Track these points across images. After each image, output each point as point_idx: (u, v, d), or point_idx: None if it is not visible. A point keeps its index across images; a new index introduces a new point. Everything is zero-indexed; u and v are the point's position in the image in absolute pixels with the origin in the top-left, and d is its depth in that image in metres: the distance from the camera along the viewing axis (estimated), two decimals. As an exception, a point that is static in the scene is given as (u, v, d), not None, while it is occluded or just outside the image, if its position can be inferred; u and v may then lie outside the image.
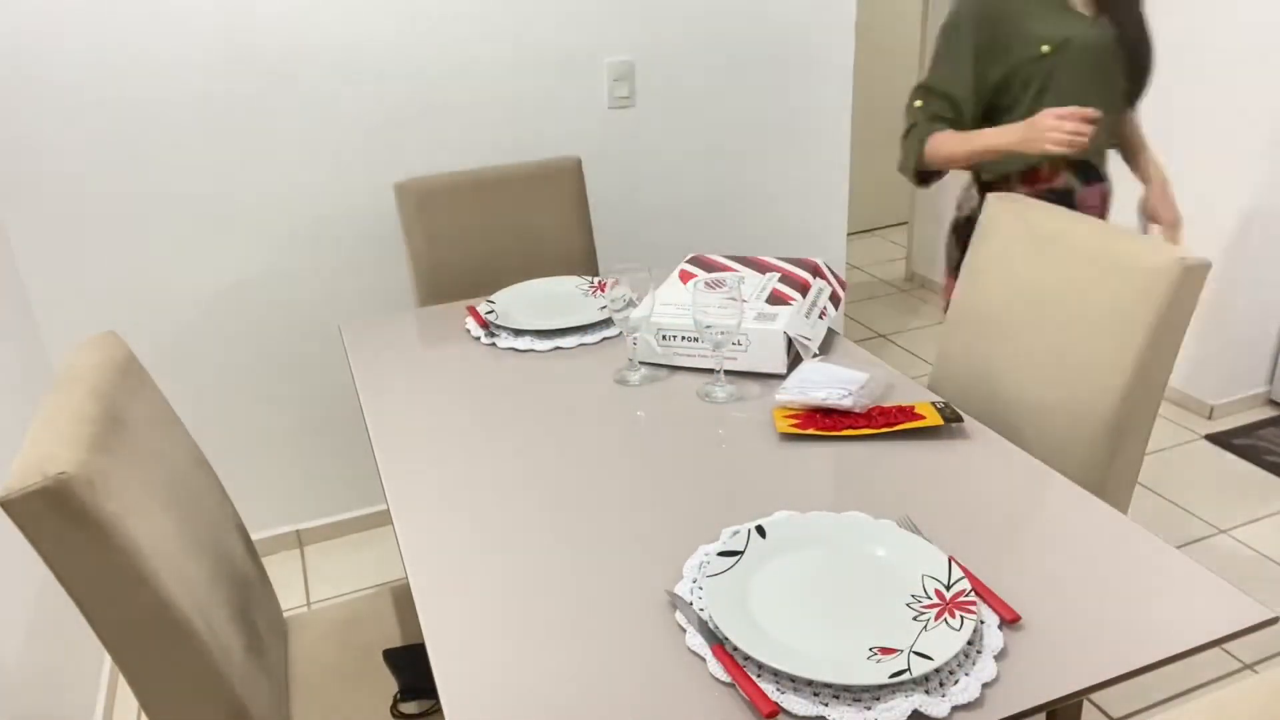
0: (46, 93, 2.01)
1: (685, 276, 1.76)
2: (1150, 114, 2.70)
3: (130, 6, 2.01)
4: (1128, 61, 1.83)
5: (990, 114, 1.85)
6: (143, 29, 2.04)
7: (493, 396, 1.55)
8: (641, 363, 1.62)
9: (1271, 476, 2.66)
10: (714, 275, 1.55)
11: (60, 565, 0.96)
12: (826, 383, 1.44)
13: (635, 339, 1.58)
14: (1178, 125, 2.85)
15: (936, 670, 0.92)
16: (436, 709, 1.31)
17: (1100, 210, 1.92)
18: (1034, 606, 1.00)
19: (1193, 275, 1.36)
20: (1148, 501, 2.58)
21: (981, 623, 0.98)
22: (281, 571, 2.46)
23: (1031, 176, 1.86)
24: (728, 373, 1.56)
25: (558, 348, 1.72)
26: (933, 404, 1.42)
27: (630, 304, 1.50)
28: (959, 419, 1.36)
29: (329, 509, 2.58)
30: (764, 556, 1.08)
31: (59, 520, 0.93)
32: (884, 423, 1.37)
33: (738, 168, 2.72)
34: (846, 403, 1.39)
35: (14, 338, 1.97)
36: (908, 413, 1.39)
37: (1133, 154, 2.02)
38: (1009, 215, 1.64)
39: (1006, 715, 0.88)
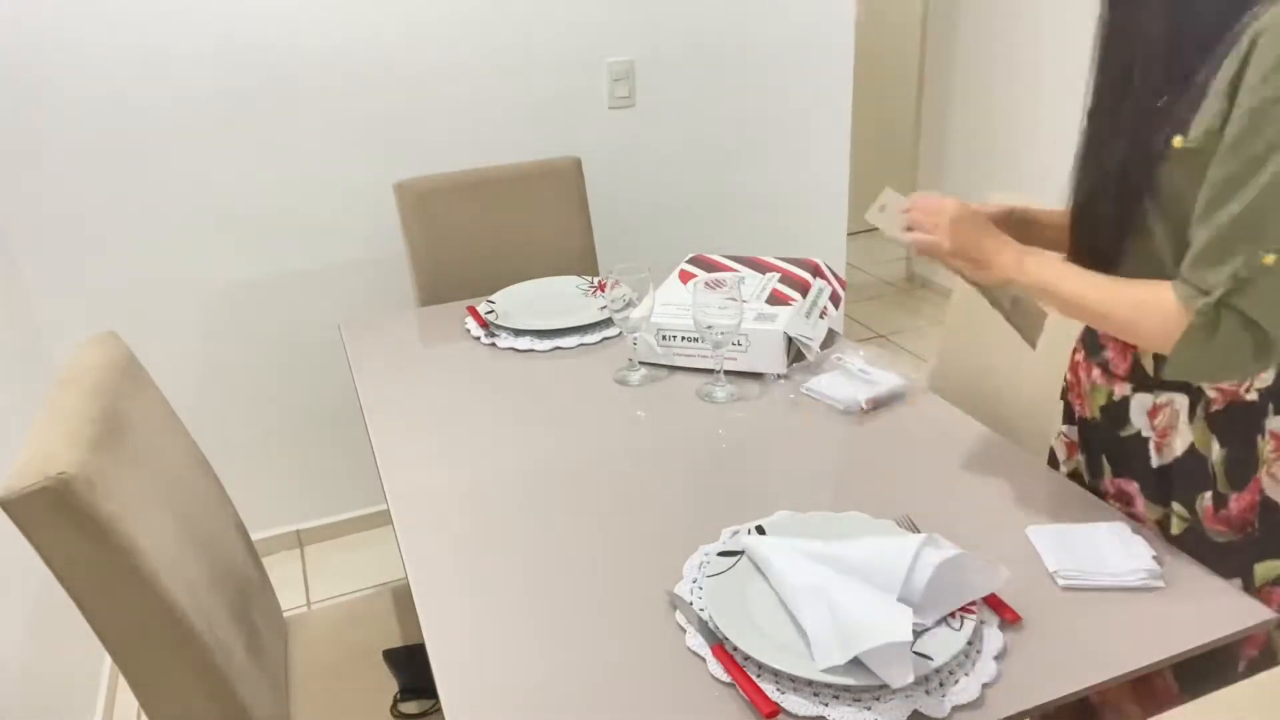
0: (47, 93, 2.01)
1: (685, 276, 1.76)
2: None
3: (131, 7, 2.02)
4: None
5: None
6: (143, 30, 2.04)
7: (493, 396, 1.55)
8: (641, 363, 1.61)
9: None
10: (714, 275, 1.55)
11: (60, 565, 0.96)
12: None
13: (635, 339, 1.58)
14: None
15: (936, 670, 0.91)
16: (436, 709, 1.31)
17: None
18: (1034, 606, 1.00)
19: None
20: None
21: (981, 623, 0.98)
22: (281, 571, 2.45)
23: None
24: (728, 373, 1.56)
25: (558, 348, 1.72)
26: None
27: (630, 304, 1.49)
28: None
29: (329, 509, 2.58)
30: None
31: (59, 520, 0.93)
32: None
33: (738, 168, 2.72)
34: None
35: (14, 338, 1.97)
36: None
37: None
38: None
39: (1006, 715, 0.88)
